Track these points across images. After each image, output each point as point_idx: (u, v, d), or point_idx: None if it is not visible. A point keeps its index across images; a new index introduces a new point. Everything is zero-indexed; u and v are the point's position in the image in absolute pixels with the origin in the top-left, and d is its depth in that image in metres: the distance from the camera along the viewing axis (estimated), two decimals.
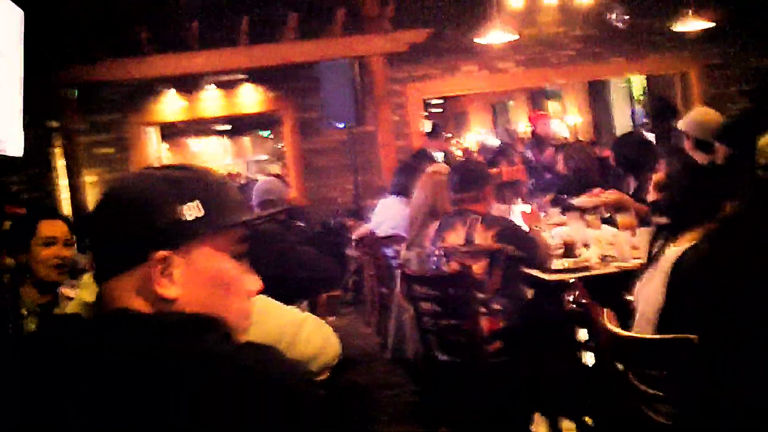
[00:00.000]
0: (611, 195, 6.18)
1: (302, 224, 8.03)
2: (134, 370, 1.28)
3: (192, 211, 1.40)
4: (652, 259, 3.25)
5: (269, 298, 2.37)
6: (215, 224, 1.43)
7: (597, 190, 6.35)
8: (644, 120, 14.60)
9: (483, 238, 4.72)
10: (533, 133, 11.40)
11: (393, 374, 6.39)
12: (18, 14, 6.56)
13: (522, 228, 5.19)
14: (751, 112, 6.18)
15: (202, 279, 1.41)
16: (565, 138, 14.66)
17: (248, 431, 1.26)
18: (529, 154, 10.95)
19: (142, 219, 1.39)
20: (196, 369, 1.28)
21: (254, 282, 1.51)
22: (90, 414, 1.27)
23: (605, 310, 3.00)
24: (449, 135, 19.77)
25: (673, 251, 3.05)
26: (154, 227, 1.38)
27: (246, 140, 23.34)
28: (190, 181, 1.44)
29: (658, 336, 2.75)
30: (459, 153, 17.81)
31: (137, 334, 1.32)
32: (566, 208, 6.80)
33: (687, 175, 3.63)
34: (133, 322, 1.35)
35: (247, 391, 1.28)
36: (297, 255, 3.69)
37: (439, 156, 11.66)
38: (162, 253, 1.37)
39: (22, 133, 6.64)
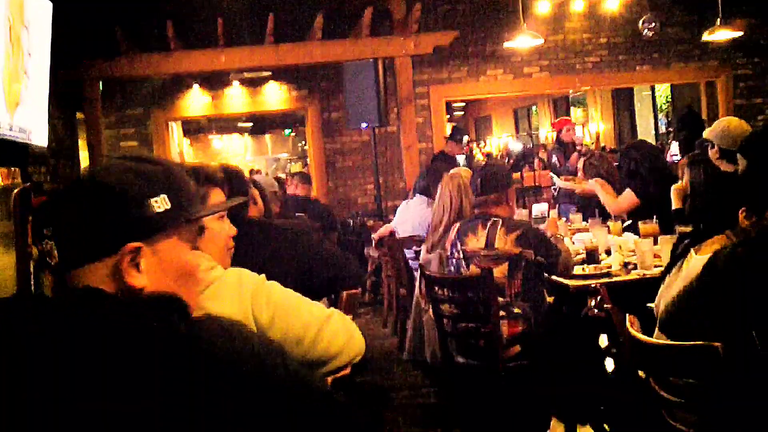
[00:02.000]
0: (593, 182, 6.50)
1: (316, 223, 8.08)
2: (101, 342, 1.34)
3: (160, 204, 1.48)
4: (674, 266, 3.24)
5: (295, 293, 2.38)
6: (181, 217, 1.51)
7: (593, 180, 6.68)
8: (668, 129, 14.56)
9: (504, 241, 4.71)
10: (557, 138, 11.37)
11: (410, 376, 6.40)
12: (47, 7, 6.59)
13: (543, 232, 5.18)
14: None
15: (167, 269, 1.50)
16: (591, 144, 14.67)
17: (203, 406, 1.33)
18: (554, 159, 10.93)
19: (114, 211, 1.45)
20: (160, 345, 1.35)
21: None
22: (54, 383, 1.32)
23: (628, 315, 2.99)
24: (467, 138, 19.80)
25: (697, 259, 3.03)
26: (126, 220, 1.46)
27: (267, 138, 23.40)
28: (158, 175, 1.51)
29: (681, 343, 2.73)
30: (480, 157, 17.83)
31: (107, 310, 1.39)
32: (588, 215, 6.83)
33: (711, 183, 3.61)
34: (104, 300, 1.42)
35: (203, 369, 1.35)
36: (319, 252, 3.69)
37: (461, 159, 11.66)
38: (132, 244, 1.45)
39: (47, 124, 6.67)
